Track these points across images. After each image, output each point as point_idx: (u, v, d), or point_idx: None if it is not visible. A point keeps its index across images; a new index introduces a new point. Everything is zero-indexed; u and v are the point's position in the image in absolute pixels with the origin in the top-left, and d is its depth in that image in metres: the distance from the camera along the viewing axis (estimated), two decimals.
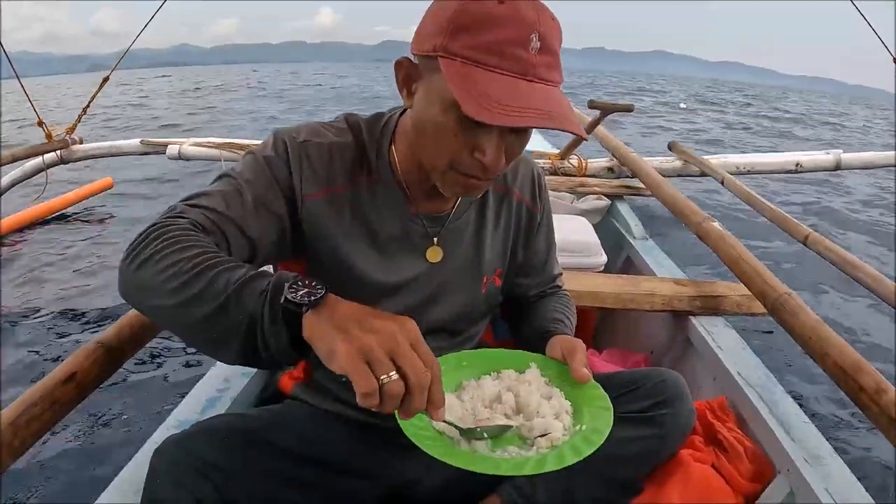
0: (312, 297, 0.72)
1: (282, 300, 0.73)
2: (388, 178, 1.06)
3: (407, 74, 0.95)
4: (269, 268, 1.07)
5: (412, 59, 0.94)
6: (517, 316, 1.32)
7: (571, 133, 0.87)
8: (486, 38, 0.82)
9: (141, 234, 0.84)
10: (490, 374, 1.03)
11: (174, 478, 0.95)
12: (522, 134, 0.92)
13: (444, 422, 0.89)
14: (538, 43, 0.83)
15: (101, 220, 5.36)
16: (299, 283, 0.74)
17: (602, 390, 0.99)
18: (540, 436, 0.90)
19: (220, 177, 1.00)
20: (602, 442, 0.87)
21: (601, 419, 0.92)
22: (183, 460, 0.96)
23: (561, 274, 1.39)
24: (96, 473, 2.13)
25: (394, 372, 0.68)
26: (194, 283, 0.77)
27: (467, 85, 0.82)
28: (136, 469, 1.17)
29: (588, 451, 0.85)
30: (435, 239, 1.11)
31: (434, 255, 1.12)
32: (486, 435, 0.92)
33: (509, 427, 0.93)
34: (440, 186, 0.98)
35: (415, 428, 0.86)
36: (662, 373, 1.26)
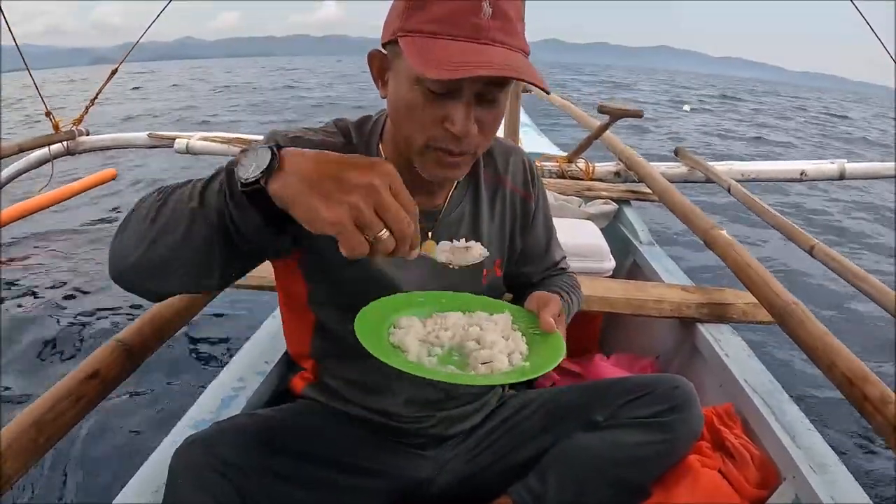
0: (265, 165, 0.70)
1: (238, 185, 0.71)
2: None
3: (380, 66, 0.99)
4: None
5: (383, 51, 0.98)
6: (521, 299, 1.33)
7: (529, 83, 0.88)
8: (439, 11, 0.86)
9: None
10: (462, 312, 1.05)
11: (195, 478, 0.96)
12: (492, 104, 0.94)
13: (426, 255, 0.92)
14: (490, 9, 0.86)
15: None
16: (246, 157, 0.72)
17: (562, 341, 1.00)
18: (483, 363, 0.92)
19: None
20: (532, 376, 0.90)
21: (546, 361, 0.94)
22: (203, 461, 0.97)
23: (565, 258, 1.40)
24: (113, 473, 2.13)
25: (384, 230, 0.69)
26: (161, 213, 0.77)
27: (424, 52, 0.85)
28: (153, 469, 1.17)
29: (514, 379, 0.89)
30: (430, 234, 1.12)
31: (429, 248, 1.12)
32: (454, 265, 0.96)
33: (480, 262, 0.97)
34: (421, 170, 0.99)
35: (372, 339, 0.89)
36: (674, 379, 1.29)
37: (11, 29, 3.50)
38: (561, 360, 0.94)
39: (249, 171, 0.70)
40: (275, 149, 0.71)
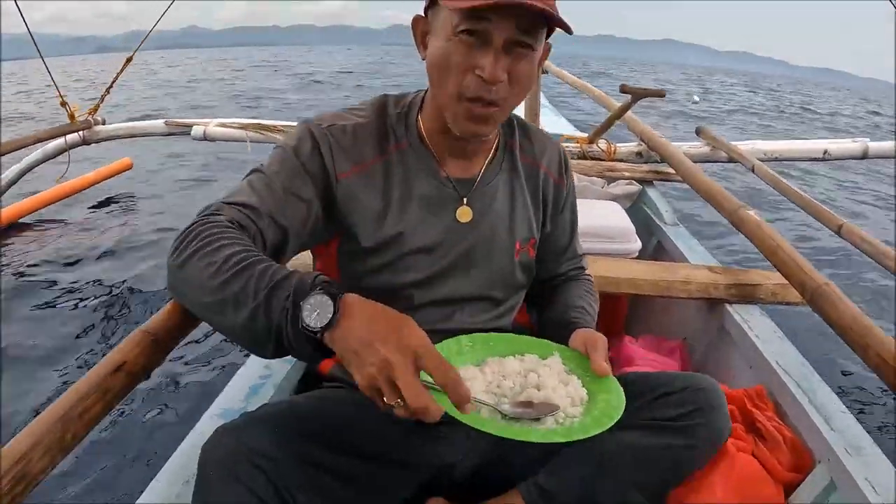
0: (325, 320, 0.78)
1: (300, 325, 0.79)
2: (417, 143, 1.14)
3: (422, 30, 1.07)
4: None
5: (425, 17, 1.06)
6: (540, 300, 1.34)
7: (552, 21, 0.96)
8: None
9: (184, 232, 0.93)
10: (514, 356, 1.07)
11: (227, 470, 0.94)
12: (521, 56, 0.98)
13: (486, 404, 0.95)
14: None
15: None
16: (313, 298, 0.79)
17: (618, 384, 1.02)
18: (548, 413, 0.95)
19: (251, 172, 1.07)
20: (611, 424, 0.91)
21: (613, 409, 0.96)
22: (235, 451, 0.95)
23: (585, 255, 1.41)
24: (141, 464, 2.14)
25: (399, 400, 0.75)
26: (232, 283, 0.84)
27: None
28: (183, 459, 1.17)
29: (595, 431, 0.90)
30: (465, 199, 1.16)
31: (464, 214, 1.16)
32: (526, 418, 0.95)
33: (556, 407, 0.96)
34: (452, 124, 1.05)
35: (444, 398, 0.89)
36: (701, 380, 1.22)
37: (24, 16, 3.52)
38: (624, 402, 0.97)
39: (312, 317, 0.79)
40: (338, 301, 0.79)
